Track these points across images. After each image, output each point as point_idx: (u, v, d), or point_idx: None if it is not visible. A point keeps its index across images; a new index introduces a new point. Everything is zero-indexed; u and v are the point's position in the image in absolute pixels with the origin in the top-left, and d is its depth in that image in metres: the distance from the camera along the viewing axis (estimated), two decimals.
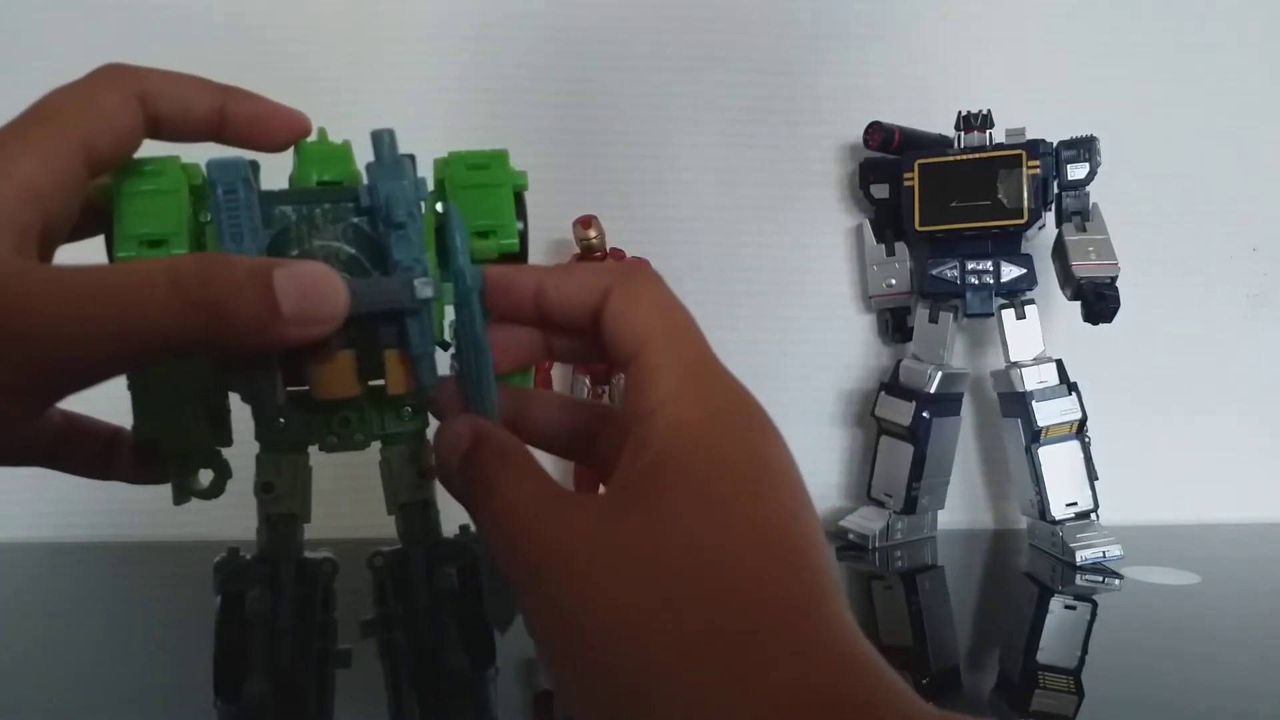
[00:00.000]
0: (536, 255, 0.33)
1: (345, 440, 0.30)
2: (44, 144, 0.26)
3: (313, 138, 0.31)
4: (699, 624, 0.21)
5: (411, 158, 0.29)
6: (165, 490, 0.30)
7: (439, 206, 0.31)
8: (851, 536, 0.78)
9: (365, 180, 0.28)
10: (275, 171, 0.31)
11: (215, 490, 0.30)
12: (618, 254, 0.76)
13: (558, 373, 0.78)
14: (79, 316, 0.23)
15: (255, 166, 0.28)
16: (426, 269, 0.28)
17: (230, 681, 0.30)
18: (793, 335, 0.85)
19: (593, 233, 0.74)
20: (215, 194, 0.27)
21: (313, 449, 0.31)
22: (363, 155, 0.29)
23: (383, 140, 0.28)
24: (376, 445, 0.31)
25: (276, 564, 0.30)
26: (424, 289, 0.27)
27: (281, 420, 0.29)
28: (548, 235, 0.78)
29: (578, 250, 0.75)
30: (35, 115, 0.27)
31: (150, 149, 0.29)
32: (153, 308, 0.23)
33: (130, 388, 0.28)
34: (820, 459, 0.86)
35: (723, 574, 0.22)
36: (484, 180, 0.31)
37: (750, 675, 0.20)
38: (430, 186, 0.30)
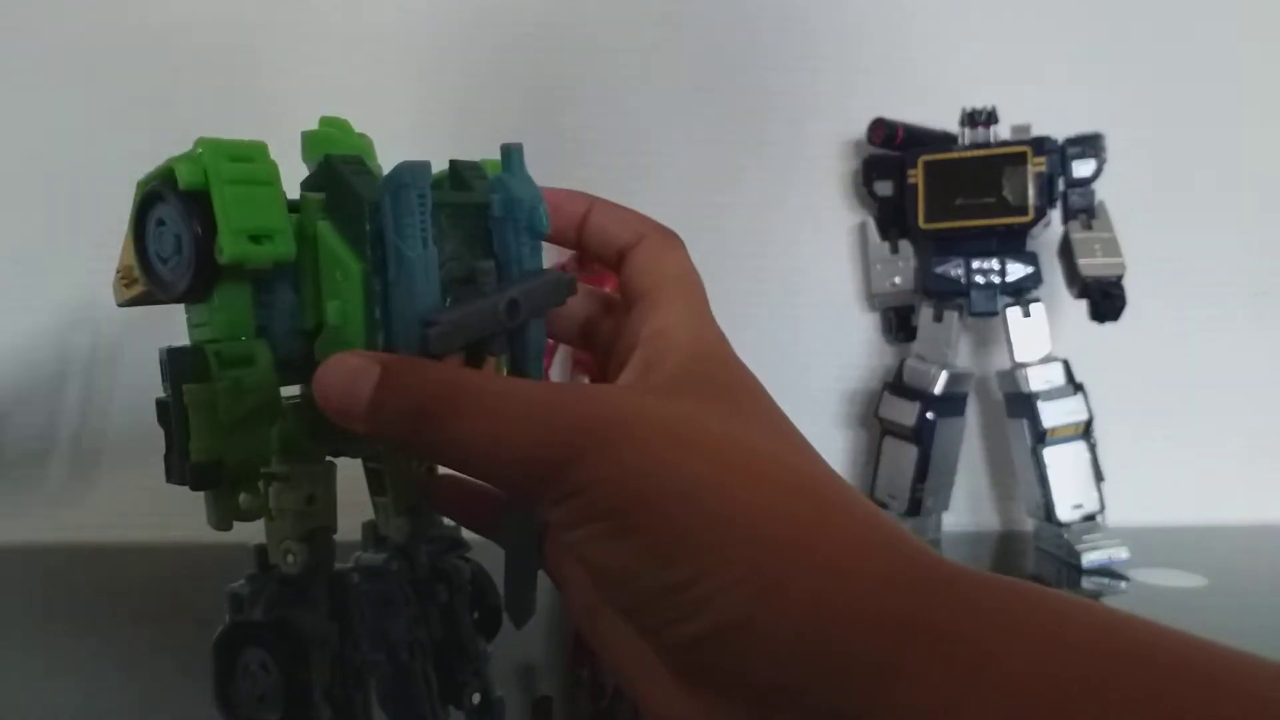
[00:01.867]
0: None
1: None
2: None
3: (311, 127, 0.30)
4: (757, 495, 0.23)
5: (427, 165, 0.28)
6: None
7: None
8: None
9: (494, 189, 0.29)
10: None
11: (259, 511, 0.28)
12: None
13: (555, 373, 0.78)
14: None
15: None
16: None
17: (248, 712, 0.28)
18: (794, 334, 0.84)
19: None
20: (407, 197, 0.25)
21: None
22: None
23: (514, 153, 0.29)
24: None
25: (311, 582, 0.29)
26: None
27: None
28: None
29: None
30: None
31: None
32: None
33: (187, 406, 0.26)
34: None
35: (766, 458, 0.24)
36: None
37: (810, 533, 0.22)
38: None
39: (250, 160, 0.26)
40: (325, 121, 0.31)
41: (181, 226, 0.25)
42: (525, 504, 0.26)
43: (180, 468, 0.26)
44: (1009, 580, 0.23)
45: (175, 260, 0.26)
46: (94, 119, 0.79)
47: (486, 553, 0.34)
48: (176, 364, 0.26)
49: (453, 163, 0.31)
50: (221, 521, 0.27)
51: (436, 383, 0.24)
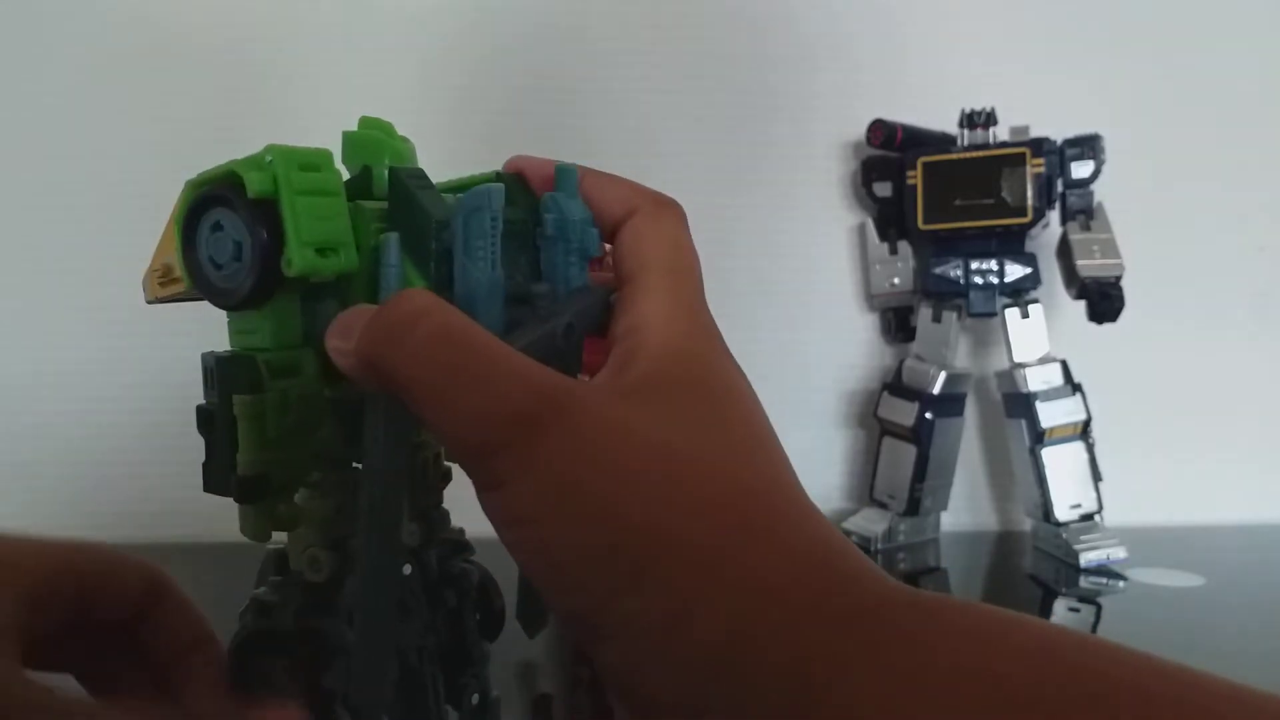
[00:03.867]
0: None
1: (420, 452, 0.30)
2: None
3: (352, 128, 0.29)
4: (707, 494, 0.22)
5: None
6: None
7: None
8: (854, 538, 0.77)
9: (548, 208, 0.28)
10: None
11: (295, 521, 0.27)
12: None
13: None
14: None
15: None
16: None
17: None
18: (794, 335, 0.84)
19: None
20: (480, 220, 0.25)
21: None
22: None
23: (569, 174, 0.29)
24: None
25: (337, 589, 0.28)
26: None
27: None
28: None
29: None
30: None
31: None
32: None
33: (238, 419, 0.25)
34: (822, 460, 0.85)
35: (704, 472, 0.23)
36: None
37: (758, 538, 0.21)
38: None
39: (318, 169, 0.25)
40: (366, 122, 0.29)
41: (245, 234, 0.24)
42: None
43: (223, 479, 0.25)
44: (946, 604, 0.21)
45: (234, 267, 0.25)
46: (91, 119, 0.80)
47: (491, 554, 0.34)
48: (227, 373, 0.25)
49: (501, 175, 0.30)
50: (259, 533, 0.26)
51: (410, 311, 0.23)
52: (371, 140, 0.29)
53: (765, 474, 0.24)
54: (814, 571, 0.21)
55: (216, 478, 0.26)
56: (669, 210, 0.29)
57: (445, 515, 0.32)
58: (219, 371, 0.25)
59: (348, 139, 0.29)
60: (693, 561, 0.21)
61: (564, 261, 0.29)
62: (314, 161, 0.25)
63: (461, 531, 0.33)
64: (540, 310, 0.27)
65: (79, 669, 0.29)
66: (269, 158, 0.24)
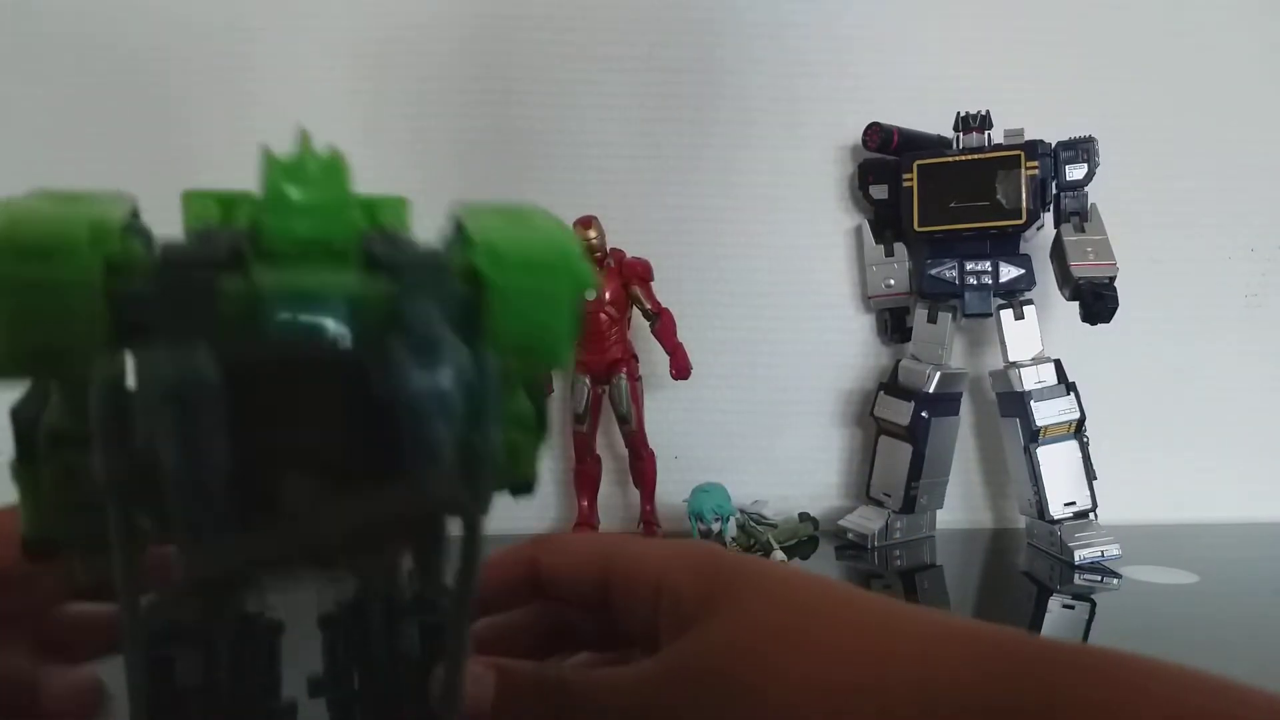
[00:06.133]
0: None
1: None
2: None
3: (283, 149, 0.21)
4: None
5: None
6: None
7: None
8: (850, 536, 0.78)
9: (384, 369, 0.19)
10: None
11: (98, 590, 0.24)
12: (618, 254, 0.76)
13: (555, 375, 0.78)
14: None
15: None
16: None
17: None
18: (792, 335, 0.85)
19: (593, 233, 0.74)
20: (173, 409, 0.18)
21: None
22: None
23: (422, 317, 0.19)
24: None
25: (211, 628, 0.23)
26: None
27: None
28: None
29: None
30: None
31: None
32: None
33: (16, 479, 0.21)
34: (819, 458, 0.86)
35: None
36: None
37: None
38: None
39: (47, 257, 0.19)
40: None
41: None
42: None
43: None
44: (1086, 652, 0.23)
45: None
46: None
47: None
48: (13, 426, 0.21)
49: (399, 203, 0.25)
50: (71, 593, 0.24)
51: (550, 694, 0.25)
52: (300, 166, 0.21)
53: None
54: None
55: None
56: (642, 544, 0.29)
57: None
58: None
59: (268, 164, 0.21)
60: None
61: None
62: (43, 246, 0.18)
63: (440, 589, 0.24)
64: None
65: None
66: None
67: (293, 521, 0.18)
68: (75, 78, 0.80)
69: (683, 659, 0.24)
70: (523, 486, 0.24)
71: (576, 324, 0.22)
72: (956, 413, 0.80)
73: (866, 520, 0.78)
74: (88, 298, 0.18)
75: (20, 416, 0.21)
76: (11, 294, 0.18)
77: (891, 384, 0.79)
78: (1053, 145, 0.75)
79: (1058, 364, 0.75)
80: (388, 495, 0.17)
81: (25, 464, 0.21)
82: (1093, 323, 0.74)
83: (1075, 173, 0.75)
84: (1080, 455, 0.75)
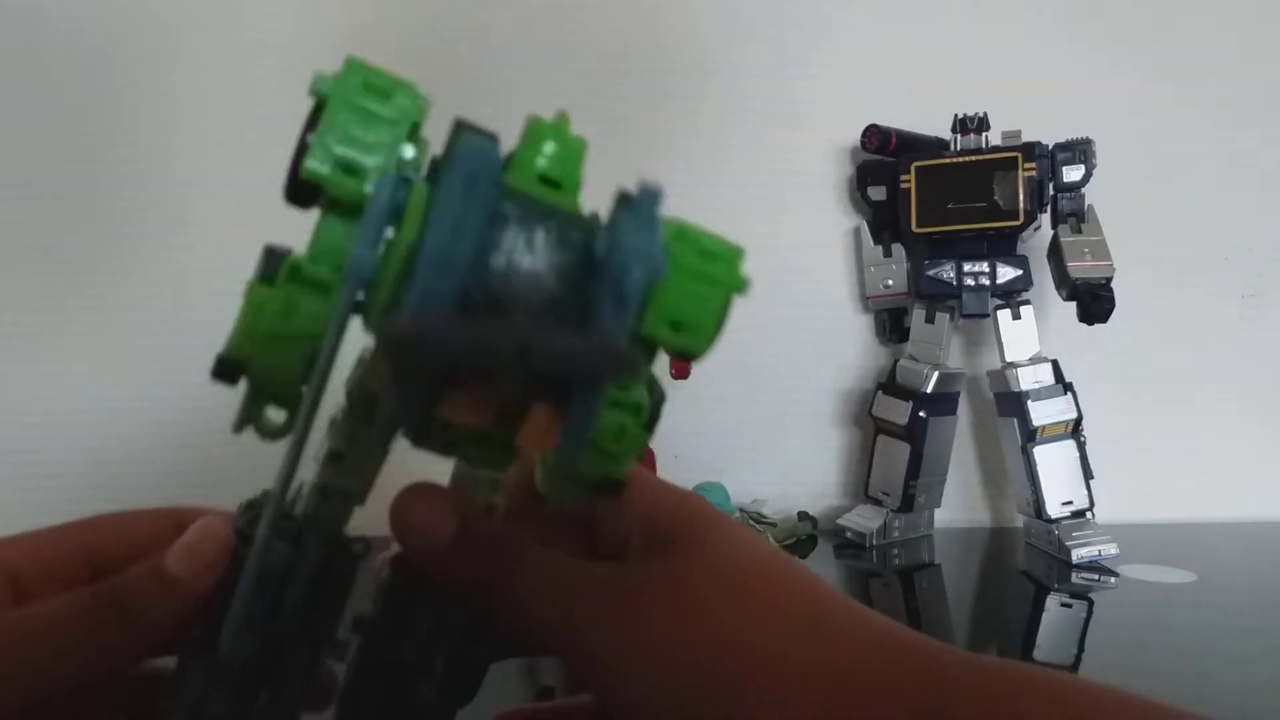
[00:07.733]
0: None
1: (484, 454, 0.27)
2: None
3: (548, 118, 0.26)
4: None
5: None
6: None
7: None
8: (849, 534, 0.78)
9: (608, 230, 0.25)
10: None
11: (284, 432, 0.25)
12: None
13: None
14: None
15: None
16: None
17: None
18: (791, 336, 0.86)
19: None
20: (452, 179, 0.22)
21: None
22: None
23: (649, 199, 0.25)
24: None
25: (305, 533, 0.26)
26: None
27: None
28: None
29: None
30: None
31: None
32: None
33: (247, 297, 0.24)
34: (818, 458, 0.87)
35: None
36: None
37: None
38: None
39: (386, 97, 0.24)
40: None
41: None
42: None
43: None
44: (1005, 668, 0.25)
45: None
46: None
47: None
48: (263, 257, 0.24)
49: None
50: (239, 427, 0.25)
51: (498, 557, 0.26)
52: (557, 137, 0.26)
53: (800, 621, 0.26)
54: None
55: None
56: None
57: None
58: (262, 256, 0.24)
59: (533, 127, 0.26)
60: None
61: (599, 297, 0.24)
62: (384, 87, 0.23)
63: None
64: (500, 320, 0.23)
65: None
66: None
67: (508, 330, 0.22)
68: (75, 78, 0.80)
69: (653, 571, 0.26)
70: (612, 484, 0.27)
71: (724, 320, 0.27)
72: (954, 412, 0.81)
73: (865, 519, 0.79)
74: (393, 132, 0.24)
75: (273, 249, 0.24)
76: (347, 108, 0.23)
77: (890, 384, 0.80)
78: (1050, 147, 0.76)
79: (1055, 364, 0.75)
80: (584, 336, 0.23)
81: (260, 281, 0.23)
82: (1090, 323, 0.75)
83: (1072, 174, 0.76)
84: (1077, 455, 0.75)
